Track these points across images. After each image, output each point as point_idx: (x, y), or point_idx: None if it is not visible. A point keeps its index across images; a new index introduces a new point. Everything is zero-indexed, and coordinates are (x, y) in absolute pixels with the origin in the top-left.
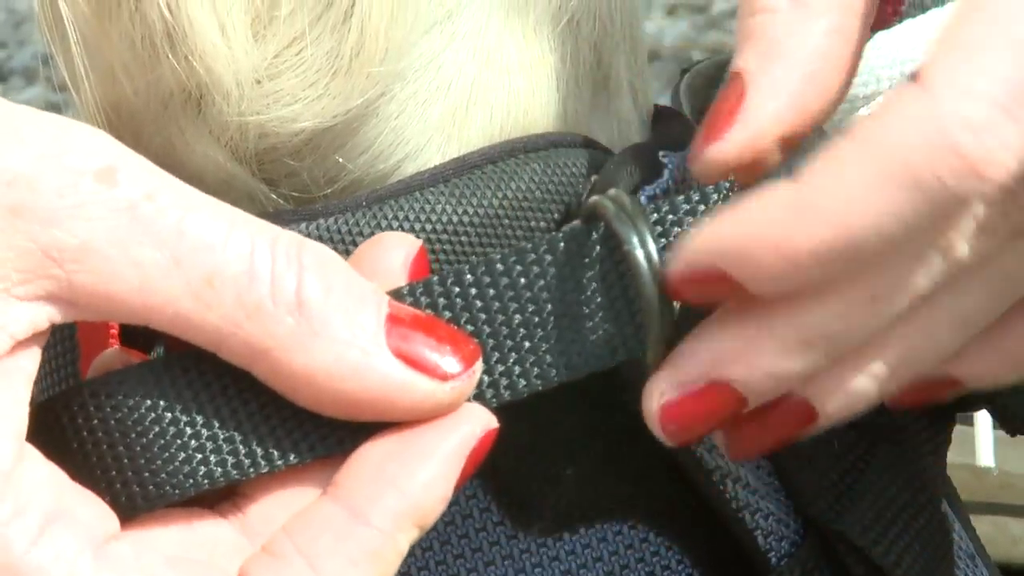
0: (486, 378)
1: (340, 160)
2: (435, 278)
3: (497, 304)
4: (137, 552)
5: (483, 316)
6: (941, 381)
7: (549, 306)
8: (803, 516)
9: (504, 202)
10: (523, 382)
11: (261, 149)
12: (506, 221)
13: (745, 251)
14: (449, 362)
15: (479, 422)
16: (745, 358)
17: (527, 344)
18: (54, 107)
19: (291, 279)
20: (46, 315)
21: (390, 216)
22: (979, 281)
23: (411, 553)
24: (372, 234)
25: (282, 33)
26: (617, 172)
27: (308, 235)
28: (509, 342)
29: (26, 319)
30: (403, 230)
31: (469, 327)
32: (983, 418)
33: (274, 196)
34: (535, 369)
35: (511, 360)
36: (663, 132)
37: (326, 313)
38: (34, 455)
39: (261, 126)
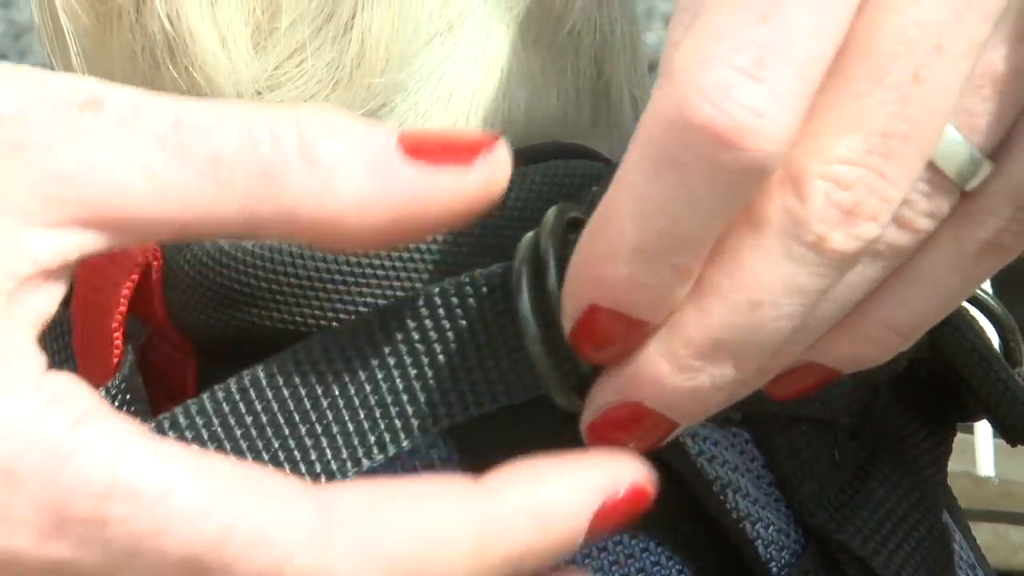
0: (426, 409)
1: None
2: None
3: (429, 335)
4: (192, 447)
5: (420, 348)
6: (806, 368)
7: (474, 341)
8: (804, 526)
9: (505, 212)
10: (445, 411)
11: None
12: (507, 231)
13: (595, 275)
14: (465, 152)
15: (629, 467)
16: (648, 381)
17: (450, 377)
18: None
19: (292, 135)
20: (75, 244)
21: None
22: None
23: None
24: None
25: (283, 44)
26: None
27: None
28: (435, 373)
29: (51, 246)
30: None
31: (409, 358)
32: (983, 427)
33: None
34: (457, 400)
35: (437, 391)
36: None
37: (336, 152)
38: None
39: None
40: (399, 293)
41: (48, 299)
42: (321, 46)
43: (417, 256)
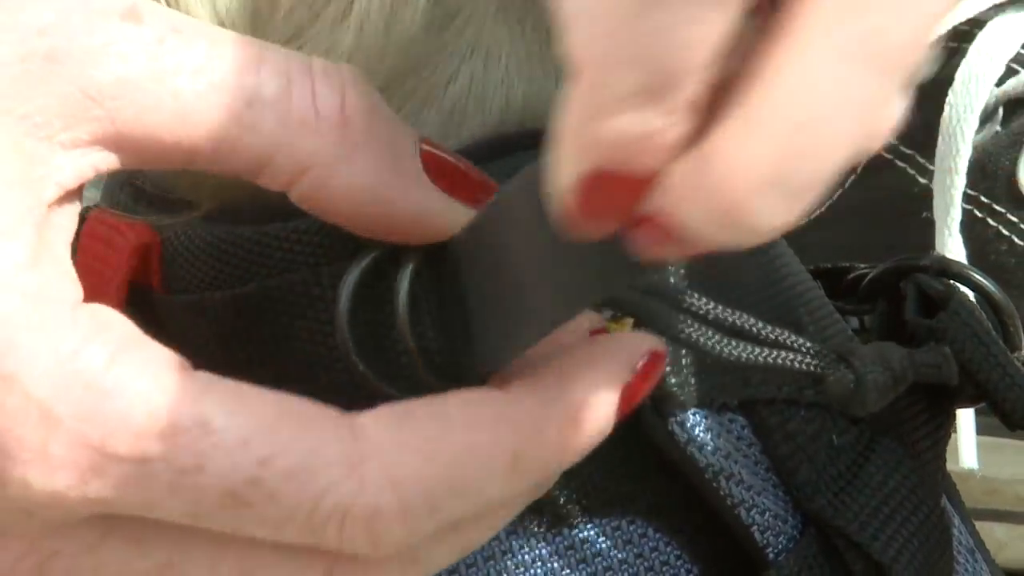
0: None
1: None
2: None
3: None
4: (228, 379)
5: None
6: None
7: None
8: (802, 511)
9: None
10: None
11: None
12: None
13: (594, 135)
14: (475, 188)
15: (644, 342)
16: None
17: None
18: None
19: (335, 95)
20: (90, 163)
21: None
22: None
23: None
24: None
25: (281, 30)
26: None
27: (308, 230)
28: None
29: (72, 168)
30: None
31: None
32: (966, 420)
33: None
34: None
35: None
36: None
37: (369, 130)
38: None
39: None
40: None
41: (71, 218)
42: (319, 32)
43: None
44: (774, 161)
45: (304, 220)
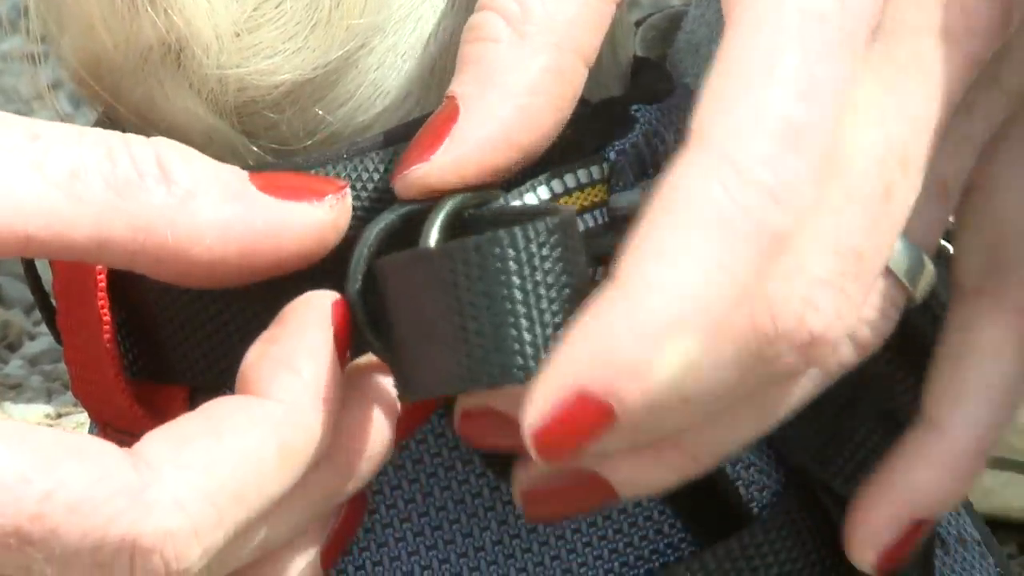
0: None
1: (320, 112)
2: None
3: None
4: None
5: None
6: None
7: None
8: (785, 466)
9: None
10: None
11: (241, 102)
12: None
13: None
14: (314, 192)
15: (325, 296)
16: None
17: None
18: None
19: (149, 154)
20: None
21: (371, 168)
22: None
23: (415, 550)
24: (353, 186)
25: None
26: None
27: None
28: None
29: None
30: (384, 181)
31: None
32: None
33: (255, 149)
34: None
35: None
36: (640, 84)
37: (193, 176)
38: None
39: (241, 79)
40: None
41: None
42: None
43: None
44: None
45: None
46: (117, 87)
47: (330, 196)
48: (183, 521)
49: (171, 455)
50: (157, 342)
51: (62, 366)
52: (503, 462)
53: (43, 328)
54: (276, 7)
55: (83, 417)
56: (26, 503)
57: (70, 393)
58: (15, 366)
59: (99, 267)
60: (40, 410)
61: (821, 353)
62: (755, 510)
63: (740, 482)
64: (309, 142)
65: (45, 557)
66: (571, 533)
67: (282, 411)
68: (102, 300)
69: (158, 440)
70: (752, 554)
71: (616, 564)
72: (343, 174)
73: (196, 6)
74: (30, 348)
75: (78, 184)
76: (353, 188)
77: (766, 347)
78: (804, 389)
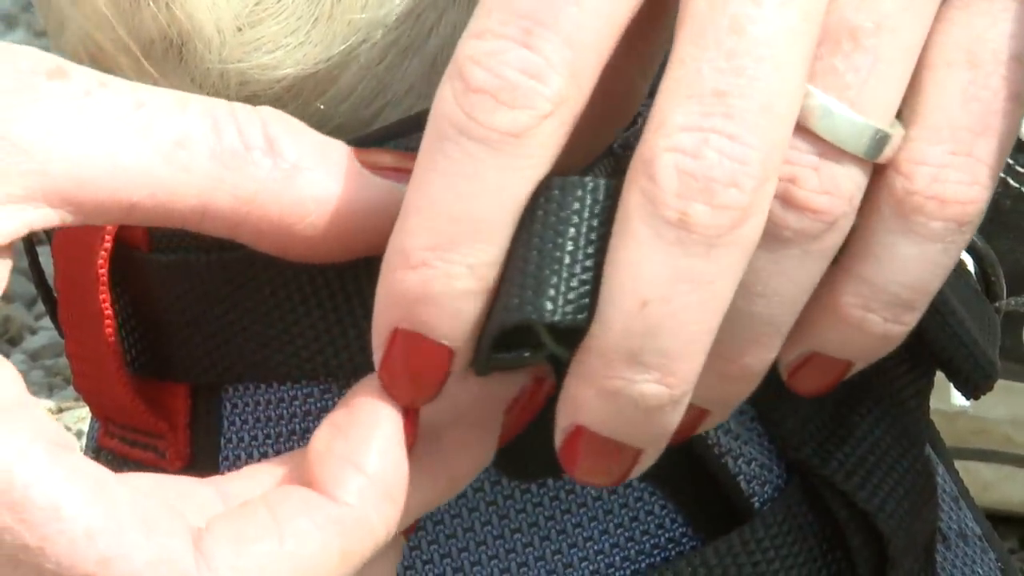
0: None
1: (322, 107)
2: None
3: None
4: (94, 465)
5: None
6: (812, 360)
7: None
8: (787, 461)
9: None
10: None
11: (243, 97)
12: None
13: (389, 290)
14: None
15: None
16: (574, 408)
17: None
18: None
19: (256, 125)
20: (25, 220)
21: None
22: None
23: (417, 546)
24: None
25: None
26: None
27: None
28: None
29: (3, 223)
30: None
31: None
32: None
33: None
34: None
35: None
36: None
37: (299, 149)
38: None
39: (242, 73)
40: None
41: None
42: None
43: None
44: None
45: None
46: None
47: None
48: None
49: (232, 558)
50: (160, 339)
51: (63, 361)
52: (516, 462)
53: (44, 323)
54: (278, 2)
55: (84, 412)
56: (85, 563)
57: (72, 388)
58: (16, 361)
59: (100, 262)
60: (42, 405)
61: (729, 199)
62: (756, 505)
63: (741, 477)
64: None
65: None
66: (572, 527)
67: (346, 516)
68: (104, 295)
69: (223, 538)
70: (753, 548)
71: (617, 558)
72: None
73: (198, 0)
74: (31, 343)
75: (183, 153)
76: None
77: (663, 209)
78: (794, 266)
